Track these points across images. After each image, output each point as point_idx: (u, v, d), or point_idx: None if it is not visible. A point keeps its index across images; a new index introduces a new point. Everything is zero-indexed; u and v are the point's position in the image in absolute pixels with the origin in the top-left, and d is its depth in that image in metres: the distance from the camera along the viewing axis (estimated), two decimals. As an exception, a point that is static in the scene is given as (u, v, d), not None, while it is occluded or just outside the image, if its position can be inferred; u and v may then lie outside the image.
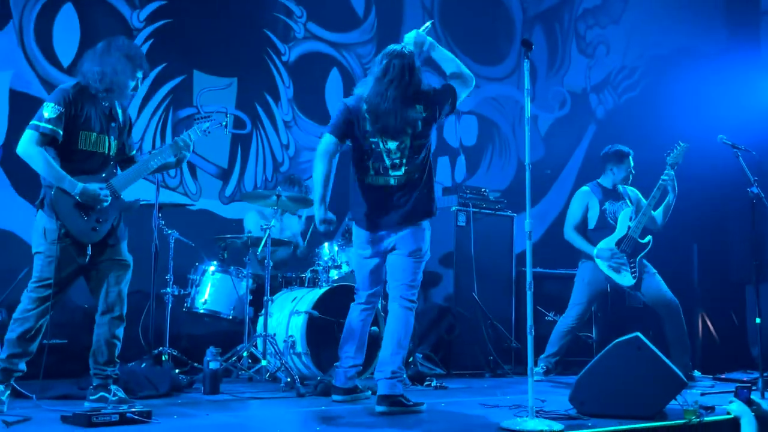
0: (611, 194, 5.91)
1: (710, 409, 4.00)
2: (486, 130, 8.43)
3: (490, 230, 6.58)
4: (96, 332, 4.06)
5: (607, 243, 5.74)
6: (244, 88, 7.03)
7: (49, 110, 3.84)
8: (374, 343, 4.90)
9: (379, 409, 4.01)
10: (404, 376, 4.39)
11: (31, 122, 3.86)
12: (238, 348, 5.31)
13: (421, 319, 6.35)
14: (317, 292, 5.34)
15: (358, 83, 4.42)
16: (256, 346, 5.33)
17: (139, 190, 4.60)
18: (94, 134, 3.98)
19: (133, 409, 3.53)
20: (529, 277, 3.73)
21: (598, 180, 6.01)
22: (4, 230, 5.79)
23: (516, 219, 6.75)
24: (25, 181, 5.53)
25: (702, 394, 4.70)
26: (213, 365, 4.69)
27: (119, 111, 4.13)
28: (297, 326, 5.22)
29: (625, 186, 5.95)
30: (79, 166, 3.93)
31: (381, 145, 4.19)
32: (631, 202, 5.89)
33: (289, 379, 4.87)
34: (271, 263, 5.40)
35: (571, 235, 5.93)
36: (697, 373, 5.98)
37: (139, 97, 6.43)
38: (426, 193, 4.25)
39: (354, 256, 4.54)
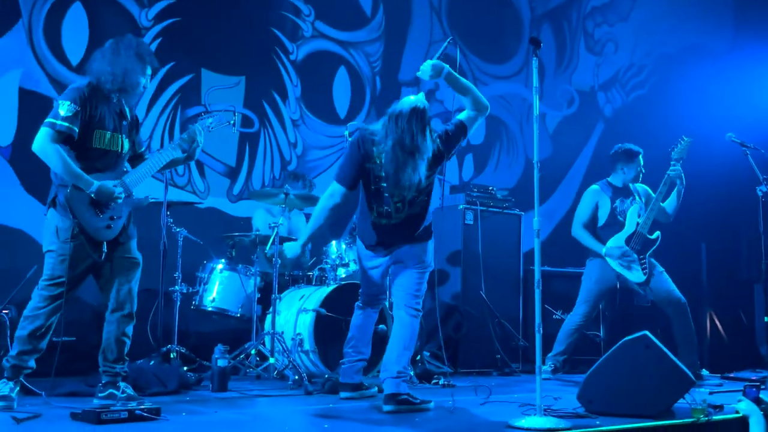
0: (621, 192, 5.90)
1: (719, 408, 3.99)
2: (494, 129, 8.42)
3: (497, 229, 6.58)
4: (106, 330, 4.07)
5: (617, 241, 5.73)
6: (252, 87, 7.04)
7: (65, 108, 3.85)
8: (381, 342, 4.91)
9: (387, 408, 4.02)
10: (410, 374, 4.40)
11: (46, 120, 3.87)
12: (246, 346, 5.32)
13: (428, 317, 6.36)
14: (325, 290, 5.35)
15: (374, 123, 4.25)
16: (264, 344, 5.34)
17: (147, 188, 4.62)
18: (108, 133, 3.99)
19: (142, 406, 3.55)
20: (537, 275, 3.72)
21: (608, 179, 5.99)
22: (14, 228, 5.81)
23: (523, 217, 6.75)
24: (35, 179, 5.58)
25: (710, 393, 4.68)
26: (221, 363, 4.70)
27: (127, 109, 4.15)
28: (305, 324, 5.23)
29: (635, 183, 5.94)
30: (94, 165, 3.94)
31: (387, 190, 4.17)
32: (640, 198, 5.88)
33: (296, 377, 4.89)
34: (279, 261, 5.41)
35: (579, 232, 5.91)
36: (705, 372, 5.96)
37: (148, 96, 6.45)
38: (427, 218, 4.28)
39: (359, 264, 4.57)
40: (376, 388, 4.50)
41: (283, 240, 5.57)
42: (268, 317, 5.43)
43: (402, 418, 3.83)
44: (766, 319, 5.44)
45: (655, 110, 9.09)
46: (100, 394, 4.02)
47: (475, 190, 6.65)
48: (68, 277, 3.88)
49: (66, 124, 3.83)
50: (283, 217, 5.75)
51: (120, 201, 3.97)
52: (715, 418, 3.83)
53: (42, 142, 3.84)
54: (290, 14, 7.30)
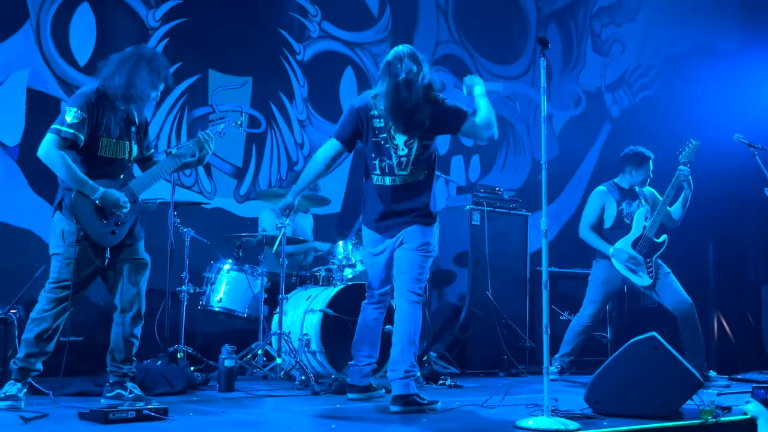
0: (628, 194, 5.88)
1: (727, 410, 3.97)
2: (500, 129, 8.31)
3: (504, 229, 6.58)
4: (114, 330, 4.08)
5: (623, 244, 5.72)
6: (259, 87, 7.05)
7: (71, 115, 3.84)
8: (388, 342, 4.90)
9: (394, 408, 4.01)
10: (417, 373, 4.39)
11: (52, 126, 3.87)
12: (253, 346, 5.33)
13: (435, 317, 6.36)
14: (332, 291, 5.35)
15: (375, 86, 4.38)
16: (270, 344, 5.34)
17: (155, 189, 4.61)
18: (114, 140, 3.99)
19: (150, 406, 3.55)
20: (545, 276, 3.72)
21: (615, 180, 5.98)
22: (22, 228, 5.83)
23: (530, 218, 6.74)
24: (42, 180, 5.57)
25: (718, 394, 4.65)
26: (228, 363, 4.71)
27: (135, 113, 4.14)
28: (312, 324, 5.24)
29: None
30: (99, 171, 3.95)
31: (389, 141, 4.20)
32: (646, 201, 5.87)
33: (303, 377, 4.89)
34: (287, 261, 5.42)
35: (586, 233, 5.90)
36: (712, 373, 5.94)
37: (155, 96, 6.46)
38: (431, 195, 4.28)
39: (364, 256, 4.57)
40: (384, 390, 4.49)
41: (289, 241, 5.58)
42: (275, 317, 5.43)
43: (409, 419, 3.83)
44: (773, 320, 5.41)
45: (662, 111, 9.07)
46: (107, 394, 4.03)
47: (482, 190, 6.64)
48: (74, 280, 3.88)
49: (71, 131, 3.83)
50: (290, 217, 5.76)
51: (126, 210, 3.97)
52: (723, 419, 3.82)
53: (47, 149, 3.84)
54: (297, 15, 7.30)
